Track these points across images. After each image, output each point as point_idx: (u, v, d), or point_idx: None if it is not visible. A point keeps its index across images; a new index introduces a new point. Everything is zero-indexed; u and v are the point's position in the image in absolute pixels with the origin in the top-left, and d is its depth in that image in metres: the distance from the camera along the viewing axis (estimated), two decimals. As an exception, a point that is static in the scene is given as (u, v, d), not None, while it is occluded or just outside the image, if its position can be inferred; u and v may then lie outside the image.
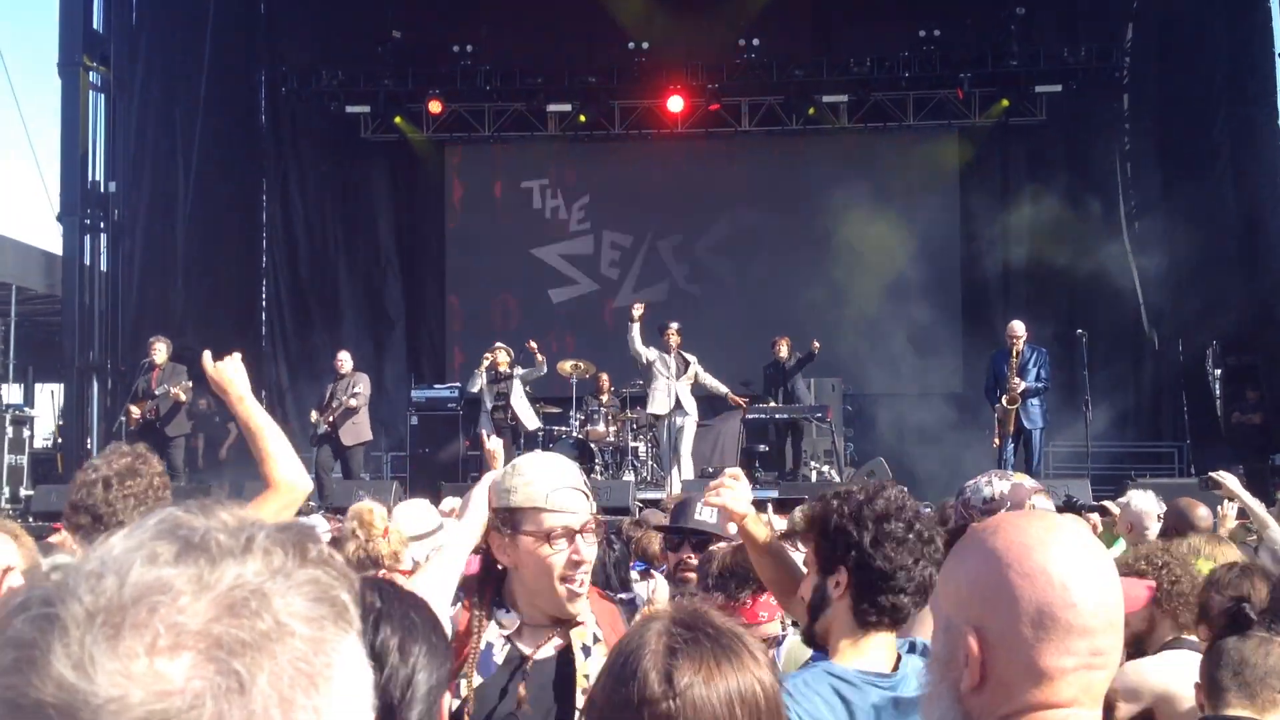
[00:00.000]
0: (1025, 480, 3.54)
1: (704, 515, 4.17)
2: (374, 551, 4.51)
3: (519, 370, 14.73)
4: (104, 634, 0.79)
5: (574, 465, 2.93)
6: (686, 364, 14.57)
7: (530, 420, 14.68)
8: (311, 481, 4.05)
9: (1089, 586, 1.56)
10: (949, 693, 1.62)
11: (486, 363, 14.60)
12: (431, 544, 5.61)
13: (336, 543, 4.59)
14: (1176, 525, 6.24)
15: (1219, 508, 7.09)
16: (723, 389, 15.10)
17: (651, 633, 1.64)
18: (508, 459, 3.25)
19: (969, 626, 1.60)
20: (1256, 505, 6.55)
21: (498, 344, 14.87)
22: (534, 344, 14.80)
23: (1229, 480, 6.73)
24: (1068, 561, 1.57)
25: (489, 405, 14.59)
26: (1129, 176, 18.70)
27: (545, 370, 14.86)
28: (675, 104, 19.19)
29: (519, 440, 14.48)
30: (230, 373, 3.63)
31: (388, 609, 1.93)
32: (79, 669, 0.78)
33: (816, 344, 15.04)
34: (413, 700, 1.85)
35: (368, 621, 1.85)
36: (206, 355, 3.79)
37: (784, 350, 15.83)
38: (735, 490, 3.24)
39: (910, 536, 2.64)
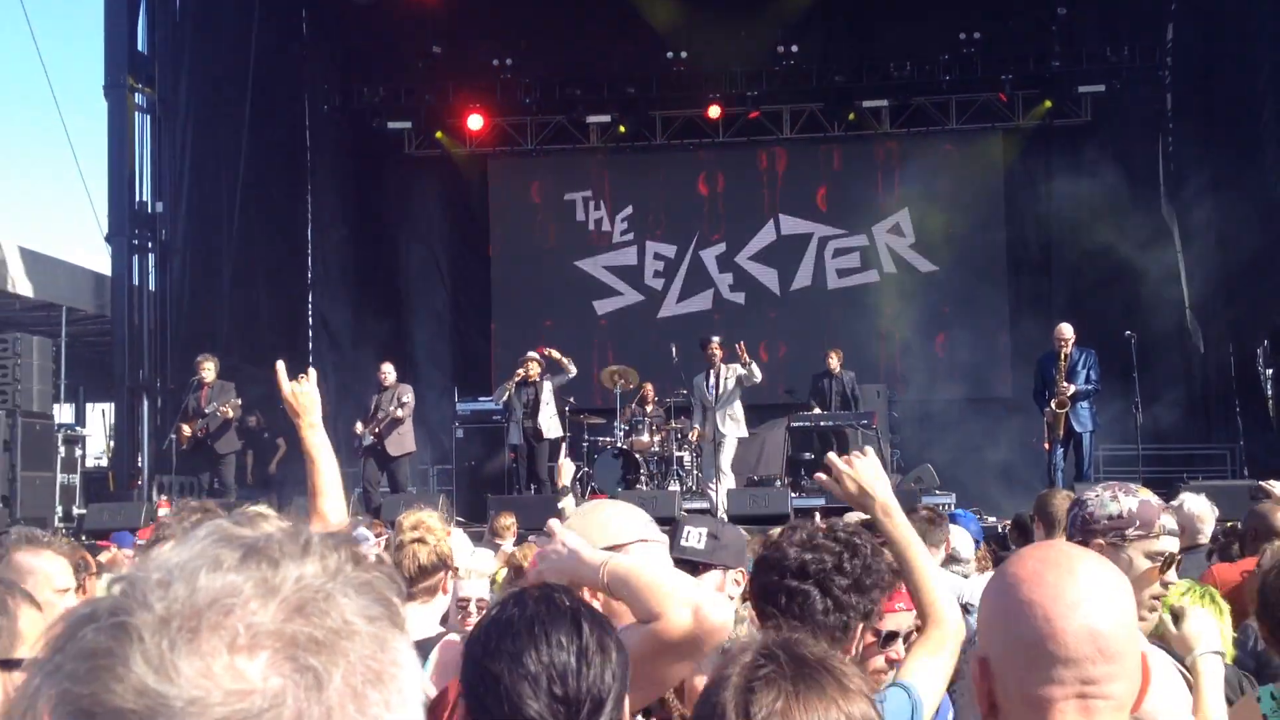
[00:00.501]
0: (1153, 498, 3.30)
1: (690, 541, 4.00)
2: (443, 552, 4.52)
3: (549, 378, 14.67)
4: (183, 637, 0.81)
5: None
6: (735, 383, 14.46)
7: (550, 429, 14.53)
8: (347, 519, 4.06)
9: (1074, 617, 1.60)
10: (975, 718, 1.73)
11: (519, 376, 14.53)
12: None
13: (398, 549, 4.60)
14: (1257, 531, 6.07)
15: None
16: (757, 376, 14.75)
17: (736, 666, 1.63)
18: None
19: (979, 658, 1.69)
20: None
21: (530, 354, 14.80)
22: (552, 351, 14.79)
23: (1279, 489, 6.65)
24: (1055, 594, 1.62)
25: (519, 414, 14.54)
26: (1174, 175, 18.49)
27: (575, 372, 14.75)
28: (714, 112, 19.21)
29: (539, 448, 14.50)
30: (308, 397, 3.64)
31: (578, 608, 1.97)
32: (160, 673, 0.79)
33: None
34: (610, 696, 1.89)
35: (566, 618, 1.92)
36: (281, 369, 3.78)
37: (835, 362, 15.71)
38: (854, 468, 2.94)
39: None
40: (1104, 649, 1.59)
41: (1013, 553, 1.90)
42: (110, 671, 0.80)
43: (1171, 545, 3.05)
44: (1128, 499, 3.12)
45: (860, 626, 2.74)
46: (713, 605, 2.26)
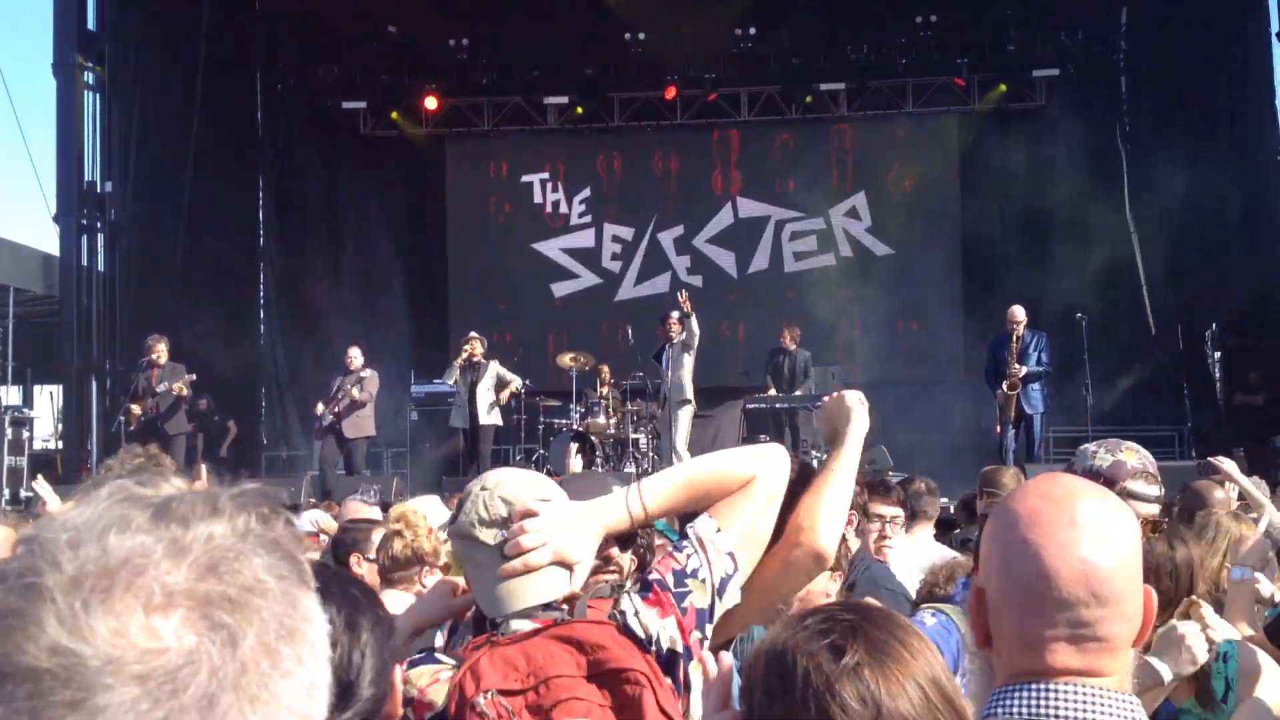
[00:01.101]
0: (1130, 460, 3.37)
1: None
2: (419, 548, 4.58)
3: (494, 366, 14.52)
4: (96, 597, 0.81)
5: None
6: (686, 349, 14.53)
7: (486, 415, 14.35)
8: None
9: (1070, 559, 1.56)
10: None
11: (464, 355, 14.39)
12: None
13: (383, 541, 4.71)
14: (1194, 507, 6.14)
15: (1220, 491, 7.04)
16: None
17: (800, 629, 1.54)
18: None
19: (976, 588, 1.68)
20: (1254, 489, 6.50)
21: (472, 334, 14.66)
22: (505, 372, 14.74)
23: (1227, 465, 6.70)
24: (1050, 532, 1.58)
25: (463, 397, 14.41)
26: (1129, 160, 18.62)
27: (519, 387, 14.77)
28: (671, 94, 19.17)
29: (478, 432, 14.34)
30: None
31: (326, 587, 1.88)
32: (74, 632, 0.80)
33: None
34: (363, 675, 1.83)
35: None
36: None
37: (789, 339, 15.79)
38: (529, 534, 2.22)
39: None
40: (1098, 592, 1.56)
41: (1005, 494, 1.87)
42: (22, 631, 0.80)
43: (1141, 509, 3.13)
44: (1106, 455, 3.22)
45: None
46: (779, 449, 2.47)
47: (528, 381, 15.37)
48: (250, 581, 0.86)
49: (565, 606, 2.22)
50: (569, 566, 2.23)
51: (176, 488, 0.92)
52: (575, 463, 13.84)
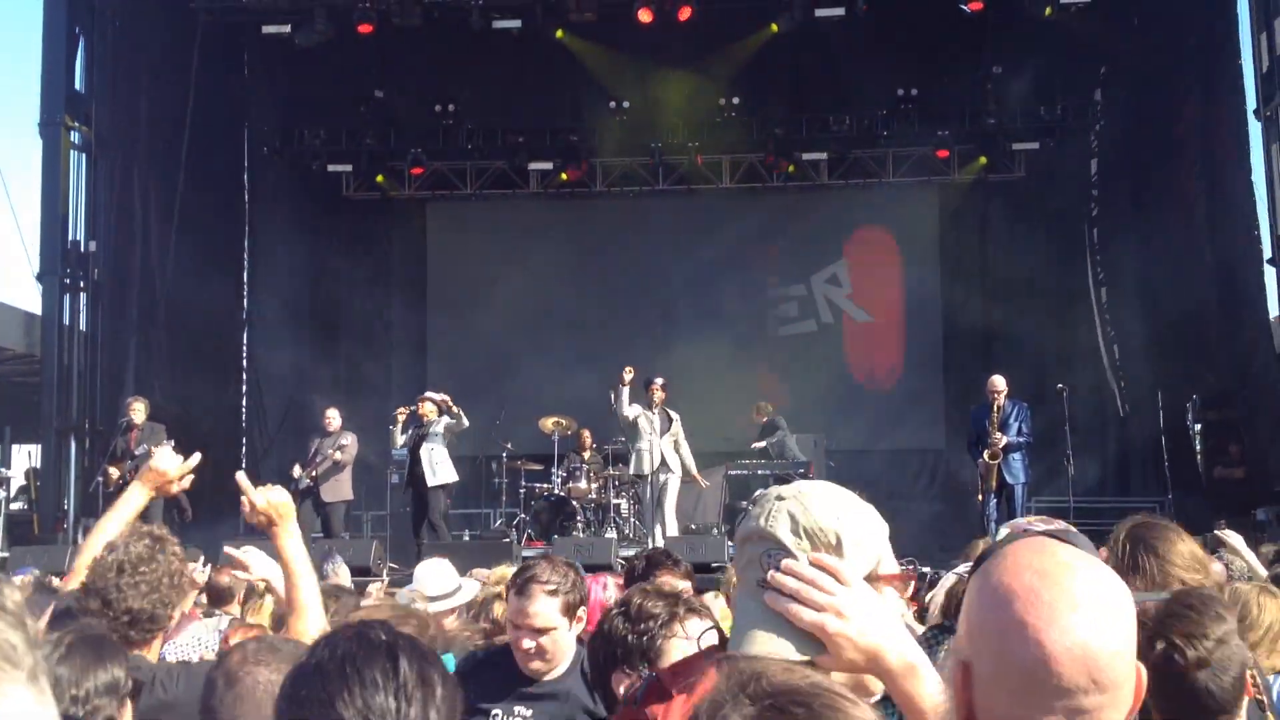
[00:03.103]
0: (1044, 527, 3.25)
1: None
2: None
3: (440, 423, 14.07)
4: None
5: None
6: (670, 421, 14.51)
7: (435, 475, 13.88)
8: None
9: (1070, 644, 1.49)
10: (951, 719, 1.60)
11: (402, 417, 14.08)
12: (450, 604, 5.80)
13: (483, 604, 4.98)
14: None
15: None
16: (691, 467, 14.69)
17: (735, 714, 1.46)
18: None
19: (961, 662, 1.58)
20: (1257, 564, 6.48)
21: (426, 394, 14.46)
22: (446, 398, 14.24)
23: (1234, 539, 6.69)
24: (1051, 615, 1.51)
25: (407, 459, 14.11)
26: (1098, 238, 18.90)
27: (466, 424, 14.22)
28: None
29: (424, 496, 13.90)
30: (284, 505, 3.57)
31: (395, 642, 1.80)
32: None
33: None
34: None
35: (381, 654, 1.74)
36: (243, 479, 3.69)
37: (757, 415, 15.86)
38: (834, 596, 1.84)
39: None
40: (1099, 680, 1.49)
41: (998, 550, 1.75)
42: None
43: None
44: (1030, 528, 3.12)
45: None
46: None
47: (507, 450, 15.26)
48: None
49: None
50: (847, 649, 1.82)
51: None
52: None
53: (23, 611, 0.94)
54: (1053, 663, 1.49)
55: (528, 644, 3.79)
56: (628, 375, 14.28)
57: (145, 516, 12.75)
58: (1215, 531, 7.03)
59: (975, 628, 1.59)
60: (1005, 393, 13.34)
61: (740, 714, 1.45)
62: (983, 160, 19.20)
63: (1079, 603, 1.52)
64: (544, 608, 3.75)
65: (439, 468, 13.95)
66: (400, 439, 14.25)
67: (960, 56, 18.45)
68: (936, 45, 17.95)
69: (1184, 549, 3.28)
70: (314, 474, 13.94)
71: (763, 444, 15.62)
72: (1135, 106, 18.23)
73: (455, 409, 14.01)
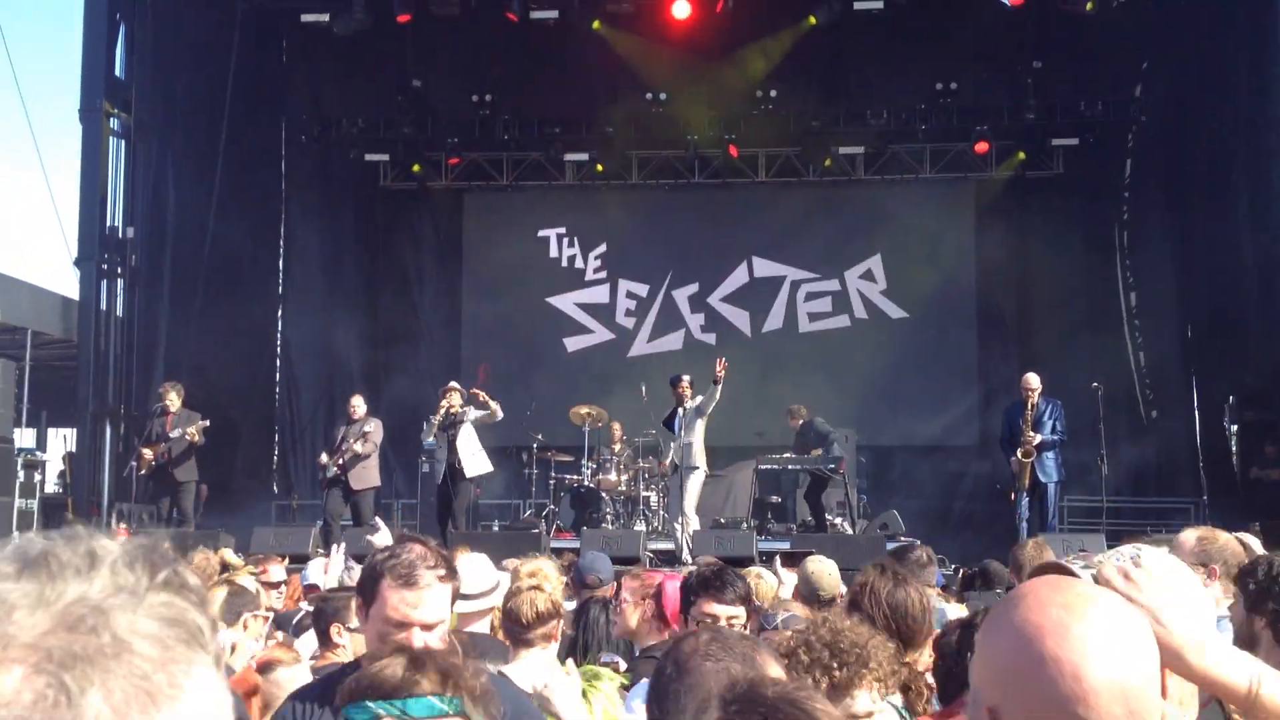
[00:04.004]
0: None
1: None
2: (558, 601, 4.62)
3: (470, 413, 13.93)
4: None
5: None
6: (699, 414, 14.28)
7: (471, 465, 13.80)
8: None
9: (1106, 677, 1.48)
10: None
11: (442, 410, 13.91)
12: (486, 604, 5.28)
13: (515, 595, 4.64)
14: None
15: None
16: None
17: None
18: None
19: (988, 709, 1.55)
20: None
21: (451, 384, 14.33)
22: (479, 391, 14.13)
23: (1253, 542, 6.73)
24: (1084, 649, 1.49)
25: (445, 451, 13.94)
26: (1128, 242, 18.76)
27: (501, 416, 14.03)
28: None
29: (459, 486, 13.81)
30: None
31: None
32: None
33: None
34: None
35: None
36: None
37: (796, 419, 15.60)
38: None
39: None
40: (1134, 709, 1.48)
41: (1014, 590, 1.73)
42: None
43: None
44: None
45: None
46: None
47: (538, 441, 15.20)
48: (107, 640, 0.83)
49: None
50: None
51: (85, 540, 0.89)
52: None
53: (205, 593, 0.92)
54: (1091, 695, 1.48)
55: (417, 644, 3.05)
56: (721, 371, 13.57)
57: (180, 510, 12.73)
58: (1238, 535, 7.03)
59: (1002, 669, 1.57)
60: (1039, 391, 13.24)
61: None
62: (1021, 156, 19.02)
63: (1108, 635, 1.51)
64: (438, 597, 3.17)
65: (472, 459, 13.91)
66: (433, 434, 14.13)
67: (1000, 51, 18.32)
68: (976, 39, 17.82)
69: None
70: (340, 462, 13.97)
71: (819, 451, 15.20)
72: (1177, 101, 18.04)
73: (484, 398, 13.92)
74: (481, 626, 5.03)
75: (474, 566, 5.52)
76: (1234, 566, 4.19)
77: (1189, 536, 4.56)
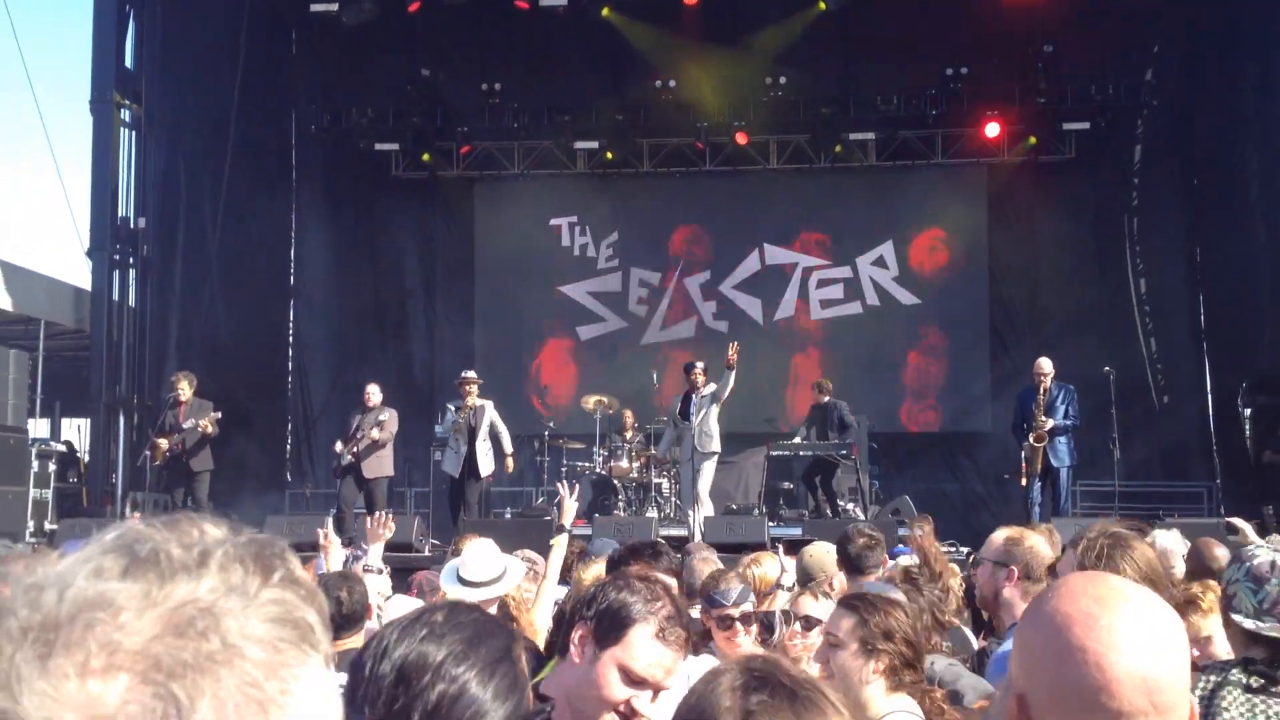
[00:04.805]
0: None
1: None
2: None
3: (490, 410, 13.98)
4: (35, 652, 0.76)
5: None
6: (714, 400, 14.20)
7: (485, 465, 13.89)
8: None
9: (1130, 667, 1.50)
10: None
11: (467, 402, 13.90)
12: (489, 594, 5.16)
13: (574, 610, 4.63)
14: (1196, 567, 6.16)
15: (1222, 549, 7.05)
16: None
17: (722, 689, 1.53)
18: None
19: (1016, 695, 1.57)
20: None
21: (467, 373, 14.26)
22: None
23: (1245, 527, 6.87)
24: (1110, 639, 1.51)
25: (461, 444, 13.90)
26: (1138, 229, 18.68)
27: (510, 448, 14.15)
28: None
29: (470, 483, 13.83)
30: None
31: (440, 627, 1.86)
32: (5, 688, 0.75)
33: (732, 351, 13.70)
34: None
35: (416, 635, 1.80)
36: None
37: (821, 395, 15.53)
38: None
39: None
40: (1158, 703, 1.49)
41: (1055, 581, 1.75)
42: None
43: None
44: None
45: None
46: None
47: (550, 429, 15.22)
48: (217, 646, 0.79)
49: None
50: None
51: (193, 532, 0.85)
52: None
53: (315, 589, 0.88)
54: (1114, 685, 1.50)
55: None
56: (734, 353, 13.60)
57: (194, 499, 12.77)
58: (1228, 519, 7.18)
59: (1032, 656, 1.59)
60: (1052, 375, 13.20)
61: (727, 683, 1.52)
62: (1032, 140, 18.93)
63: (1136, 627, 1.53)
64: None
65: (486, 458, 13.98)
66: (453, 423, 14.11)
67: (1011, 35, 18.24)
68: (987, 22, 17.76)
69: (1140, 558, 3.40)
70: (355, 450, 13.99)
71: (838, 438, 15.11)
72: (1188, 86, 17.95)
73: (502, 434, 14.08)
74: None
75: (481, 553, 5.47)
76: (1036, 569, 4.15)
77: (998, 536, 4.43)
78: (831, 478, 15.05)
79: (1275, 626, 3.00)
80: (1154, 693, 1.49)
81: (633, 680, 2.46)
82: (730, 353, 13.50)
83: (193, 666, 0.78)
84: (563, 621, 2.64)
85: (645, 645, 2.50)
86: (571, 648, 2.51)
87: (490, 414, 14.01)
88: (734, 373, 13.60)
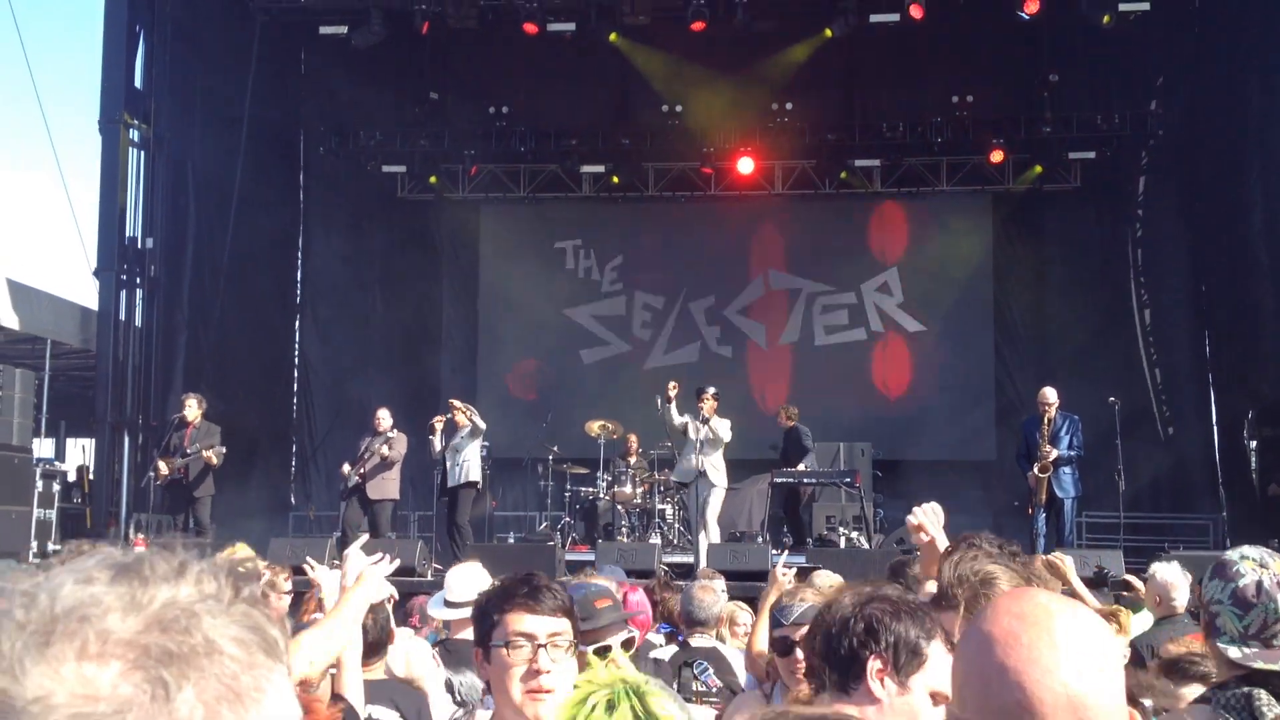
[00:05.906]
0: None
1: None
2: None
3: (467, 428, 14.35)
4: (34, 641, 0.84)
5: None
6: (716, 436, 14.14)
7: (454, 476, 14.29)
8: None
9: (1053, 685, 1.46)
10: None
11: (440, 425, 14.40)
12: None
13: None
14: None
15: None
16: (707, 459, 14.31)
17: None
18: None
19: (952, 717, 1.60)
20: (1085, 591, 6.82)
21: (453, 401, 14.67)
22: (455, 403, 14.53)
23: (1066, 561, 7.12)
24: (1030, 656, 1.48)
25: (446, 464, 14.41)
26: (1142, 260, 18.69)
27: (484, 426, 14.32)
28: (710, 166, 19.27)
29: (457, 496, 14.22)
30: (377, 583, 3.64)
31: None
32: (7, 673, 0.83)
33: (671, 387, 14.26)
34: None
35: None
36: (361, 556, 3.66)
37: (785, 419, 15.70)
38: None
39: None
40: (1088, 718, 1.46)
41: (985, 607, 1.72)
42: None
43: None
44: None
45: None
46: None
47: (554, 454, 15.22)
48: (199, 641, 0.87)
49: None
50: None
51: (178, 552, 0.93)
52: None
53: (278, 612, 0.97)
54: (1037, 704, 1.46)
55: None
56: (672, 391, 14.15)
57: (197, 521, 12.73)
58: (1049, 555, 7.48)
59: (962, 680, 1.57)
60: (1056, 405, 13.20)
61: None
62: (1038, 169, 18.96)
63: (1058, 643, 1.49)
64: None
65: (464, 468, 14.18)
66: (438, 446, 14.39)
67: (1016, 63, 18.30)
68: (992, 51, 17.81)
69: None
70: (363, 471, 14.00)
71: (803, 465, 15.30)
72: (1192, 116, 17.98)
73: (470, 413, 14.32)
74: (469, 634, 5.07)
75: (464, 575, 5.82)
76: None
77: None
78: (798, 505, 15.17)
79: (1262, 654, 2.78)
80: (1081, 709, 1.46)
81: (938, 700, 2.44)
82: (669, 389, 13.98)
83: (178, 657, 0.86)
84: None
85: (941, 662, 2.45)
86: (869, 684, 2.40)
87: (467, 428, 14.28)
88: (673, 406, 13.99)
